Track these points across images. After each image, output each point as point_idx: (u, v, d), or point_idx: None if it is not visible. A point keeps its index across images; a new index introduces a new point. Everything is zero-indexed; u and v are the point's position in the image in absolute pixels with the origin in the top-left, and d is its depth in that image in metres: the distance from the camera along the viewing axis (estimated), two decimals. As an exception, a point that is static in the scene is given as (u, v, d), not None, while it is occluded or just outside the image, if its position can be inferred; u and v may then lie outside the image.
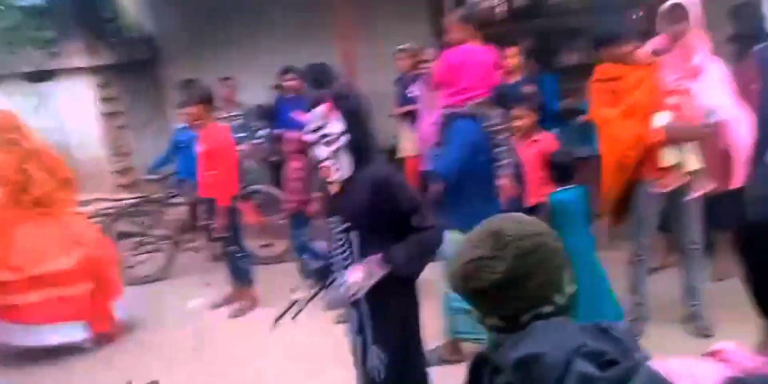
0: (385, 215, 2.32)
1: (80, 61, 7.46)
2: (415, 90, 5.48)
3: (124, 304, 4.61)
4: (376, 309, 2.39)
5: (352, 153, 2.36)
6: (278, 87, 6.12)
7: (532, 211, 3.66)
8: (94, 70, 7.56)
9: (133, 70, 7.92)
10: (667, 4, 3.50)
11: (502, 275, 1.17)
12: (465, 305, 2.87)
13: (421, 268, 2.39)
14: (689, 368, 0.85)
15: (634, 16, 4.93)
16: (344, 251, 2.41)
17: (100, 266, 4.41)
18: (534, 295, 1.19)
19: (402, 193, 2.33)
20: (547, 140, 3.97)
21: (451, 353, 3.61)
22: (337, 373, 3.24)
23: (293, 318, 2.56)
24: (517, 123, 3.90)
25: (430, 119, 4.47)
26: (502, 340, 1.19)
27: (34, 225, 4.20)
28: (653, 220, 3.67)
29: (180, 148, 5.89)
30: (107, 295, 4.46)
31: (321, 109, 2.33)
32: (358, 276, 2.30)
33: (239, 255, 4.80)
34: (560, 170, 3.50)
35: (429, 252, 2.36)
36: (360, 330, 2.45)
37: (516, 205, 3.64)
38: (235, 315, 4.75)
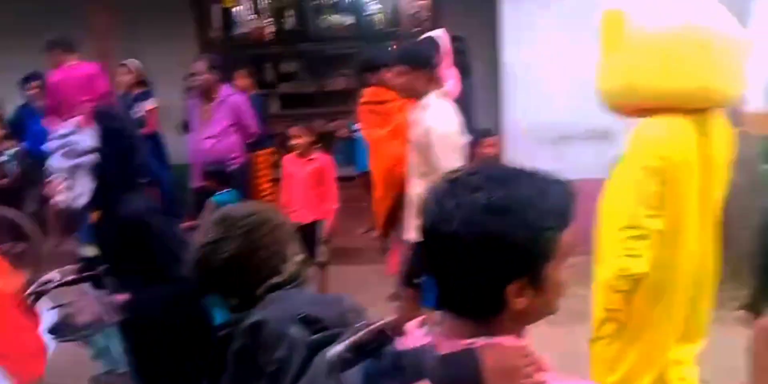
0: (135, 261, 1.96)
1: None
2: (140, 108, 5.13)
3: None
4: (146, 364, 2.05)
5: (97, 178, 1.96)
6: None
7: (308, 227, 3.79)
8: None
9: None
10: (421, 38, 3.91)
11: (232, 253, 1.31)
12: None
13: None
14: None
15: (393, 47, 5.36)
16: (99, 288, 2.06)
17: None
18: (263, 268, 1.33)
19: (158, 241, 1.96)
20: (324, 159, 4.12)
21: None
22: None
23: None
24: (294, 141, 4.01)
25: (203, 133, 4.38)
26: (242, 317, 1.32)
27: None
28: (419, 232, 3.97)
29: None
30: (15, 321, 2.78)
31: (76, 119, 2.02)
32: (93, 312, 1.91)
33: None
34: (219, 178, 4.11)
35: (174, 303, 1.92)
36: None
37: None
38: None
